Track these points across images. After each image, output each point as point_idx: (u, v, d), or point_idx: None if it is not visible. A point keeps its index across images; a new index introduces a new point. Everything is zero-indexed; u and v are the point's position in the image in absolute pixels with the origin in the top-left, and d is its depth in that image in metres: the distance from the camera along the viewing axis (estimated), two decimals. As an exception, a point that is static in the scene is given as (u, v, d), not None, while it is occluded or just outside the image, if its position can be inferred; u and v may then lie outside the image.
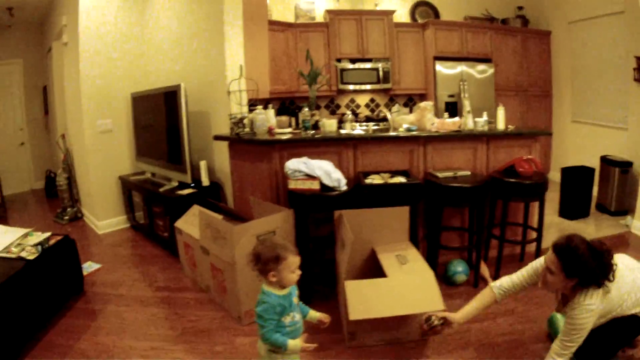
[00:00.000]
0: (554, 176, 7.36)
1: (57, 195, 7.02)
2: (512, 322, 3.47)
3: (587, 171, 6.03)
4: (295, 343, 2.31)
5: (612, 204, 5.95)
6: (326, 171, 3.71)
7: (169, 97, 5.02)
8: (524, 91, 7.81)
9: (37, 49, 8.81)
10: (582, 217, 5.94)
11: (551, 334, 3.21)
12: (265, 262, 2.27)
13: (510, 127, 4.57)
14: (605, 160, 6.11)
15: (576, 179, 5.94)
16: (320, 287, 4.07)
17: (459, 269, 4.08)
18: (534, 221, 4.43)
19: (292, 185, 3.74)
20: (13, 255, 3.57)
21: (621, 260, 2.66)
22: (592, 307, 2.40)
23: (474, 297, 3.02)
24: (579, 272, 2.37)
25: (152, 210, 5.36)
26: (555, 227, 5.64)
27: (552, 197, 6.05)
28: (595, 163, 6.24)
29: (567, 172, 6.04)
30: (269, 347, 2.31)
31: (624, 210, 5.82)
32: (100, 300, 4.11)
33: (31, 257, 3.56)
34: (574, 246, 2.38)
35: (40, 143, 9.19)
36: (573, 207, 5.94)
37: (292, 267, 2.30)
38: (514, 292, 2.91)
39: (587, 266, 2.34)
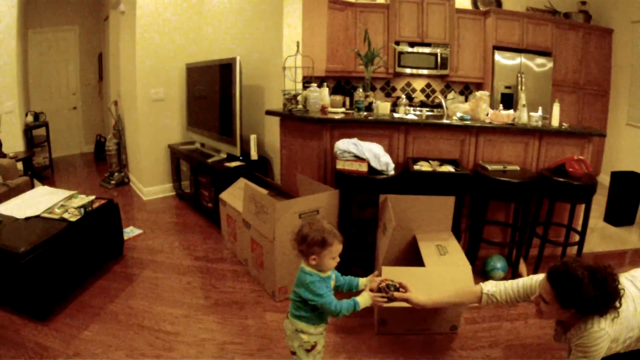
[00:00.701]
0: (604, 179, 7.18)
1: (105, 159, 7.19)
2: (543, 325, 3.39)
3: (637, 177, 5.86)
4: (365, 298, 2.36)
5: (658, 215, 5.78)
6: (375, 154, 3.69)
7: (224, 70, 5.05)
8: (581, 89, 7.58)
9: (93, 17, 9.00)
10: (627, 224, 5.77)
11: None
12: (310, 244, 2.25)
13: (565, 125, 4.46)
14: (657, 168, 5.94)
15: (625, 185, 5.76)
16: (359, 270, 4.08)
17: (498, 265, 4.04)
18: (578, 223, 4.30)
19: (340, 165, 3.75)
20: (56, 217, 3.67)
21: None
22: (602, 333, 2.09)
23: (459, 289, 2.76)
24: (575, 302, 2.06)
25: (199, 180, 5.44)
26: (599, 231, 5.51)
27: (599, 201, 5.90)
28: (646, 170, 6.07)
29: (616, 176, 5.87)
30: (299, 328, 2.35)
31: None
32: (138, 265, 4.21)
33: (73, 219, 3.64)
34: (570, 273, 2.06)
35: (92, 108, 9.42)
36: (619, 213, 5.77)
37: (334, 253, 2.30)
38: (503, 303, 2.57)
39: (586, 296, 2.02)
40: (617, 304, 2.10)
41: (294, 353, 2.46)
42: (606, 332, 2.09)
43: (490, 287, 2.58)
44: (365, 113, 4.46)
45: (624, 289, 2.13)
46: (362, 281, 2.56)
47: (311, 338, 2.38)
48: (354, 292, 2.52)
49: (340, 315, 2.29)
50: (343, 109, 4.64)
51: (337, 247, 2.30)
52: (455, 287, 2.77)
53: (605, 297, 2.05)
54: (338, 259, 2.34)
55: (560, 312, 2.15)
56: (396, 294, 2.54)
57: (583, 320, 2.14)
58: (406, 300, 2.59)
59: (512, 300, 2.51)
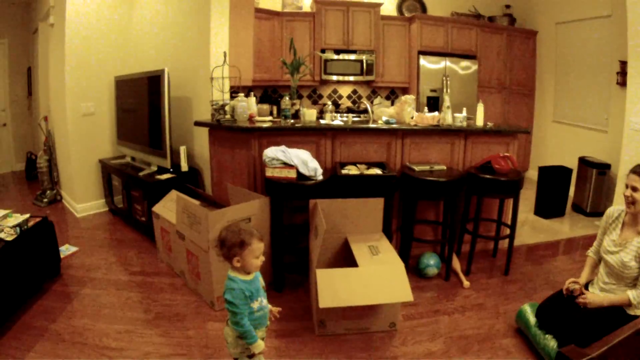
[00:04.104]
0: (532, 175, 7.45)
1: (37, 177, 6.98)
2: (481, 316, 3.53)
3: (565, 171, 6.11)
4: (261, 345, 2.35)
5: (588, 205, 6.04)
6: (303, 160, 3.74)
7: (153, 82, 5.01)
8: (507, 89, 7.87)
9: (22, 30, 8.71)
10: (558, 216, 6.02)
11: (521, 328, 3.28)
12: (229, 247, 2.27)
13: (490, 124, 4.62)
14: (583, 162, 6.20)
15: (553, 179, 6.01)
16: (293, 275, 4.12)
17: (431, 262, 4.14)
18: (508, 218, 4.47)
19: (270, 173, 3.77)
20: (-8, 236, 3.56)
21: None
22: None
23: (585, 272, 3.18)
24: None
25: (131, 195, 5.36)
26: (530, 224, 5.72)
27: (529, 196, 6.13)
28: (573, 164, 6.33)
29: (544, 171, 6.11)
30: (238, 333, 2.33)
31: (600, 211, 5.86)
32: (77, 283, 4.12)
33: (9, 239, 3.54)
34: None
35: (22, 124, 9.10)
36: (549, 206, 6.02)
37: (256, 252, 2.31)
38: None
39: None
40: None
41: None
42: None
43: (593, 249, 3.24)
44: (292, 121, 4.50)
45: None
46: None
47: None
48: None
49: (240, 330, 2.29)
50: (270, 118, 4.69)
51: (257, 246, 2.31)
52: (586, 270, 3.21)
53: None
54: (262, 258, 2.35)
55: None
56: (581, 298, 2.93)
57: None
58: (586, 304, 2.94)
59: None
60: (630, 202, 2.76)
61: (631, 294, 2.69)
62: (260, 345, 2.35)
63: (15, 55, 8.77)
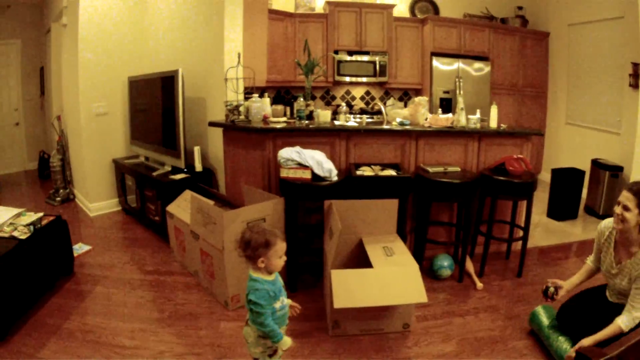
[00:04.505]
0: (545, 177, 7.42)
1: (49, 176, 7.03)
2: (494, 318, 3.52)
3: (578, 173, 6.08)
4: (287, 341, 2.36)
5: (601, 207, 6.00)
6: (318, 161, 3.74)
7: (166, 82, 5.03)
8: (520, 91, 7.85)
9: (35, 30, 8.78)
10: (570, 218, 5.99)
11: (534, 330, 3.27)
12: (255, 248, 2.27)
13: (503, 126, 4.61)
14: (596, 164, 6.17)
15: (566, 181, 5.99)
16: (307, 275, 4.12)
17: (445, 263, 4.14)
18: (522, 220, 4.47)
19: (284, 173, 3.78)
20: (5, 235, 3.59)
21: None
22: None
23: (578, 273, 3.21)
24: None
25: (144, 194, 5.38)
26: (543, 226, 5.70)
27: (542, 198, 6.11)
28: (586, 166, 6.30)
29: (557, 173, 6.08)
30: (262, 333, 2.34)
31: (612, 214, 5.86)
32: (90, 282, 4.13)
33: (23, 237, 3.57)
34: None
35: (35, 124, 9.18)
36: (561, 208, 5.99)
37: (279, 252, 2.32)
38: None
39: None
40: None
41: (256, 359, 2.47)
42: None
43: (591, 257, 3.20)
44: (306, 121, 4.52)
45: None
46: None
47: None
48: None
49: (263, 330, 2.30)
50: (285, 118, 4.70)
51: (281, 246, 2.32)
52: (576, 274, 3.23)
53: None
54: (285, 257, 2.37)
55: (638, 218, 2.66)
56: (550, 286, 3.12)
57: None
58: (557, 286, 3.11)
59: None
60: (620, 219, 2.73)
61: (621, 322, 2.64)
62: (287, 341, 2.36)
63: (27, 55, 8.84)
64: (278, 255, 2.32)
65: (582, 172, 6.11)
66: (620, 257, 2.85)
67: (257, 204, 3.72)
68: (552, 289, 3.07)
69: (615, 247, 2.91)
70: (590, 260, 3.18)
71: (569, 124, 7.52)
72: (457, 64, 7.36)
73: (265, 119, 4.48)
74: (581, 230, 5.66)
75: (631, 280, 2.71)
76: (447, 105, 7.22)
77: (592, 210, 6.15)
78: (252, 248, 2.28)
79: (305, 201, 4.09)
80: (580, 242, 5.22)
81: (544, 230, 5.55)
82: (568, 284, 3.10)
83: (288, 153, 3.78)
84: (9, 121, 8.86)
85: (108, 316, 3.54)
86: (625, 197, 2.69)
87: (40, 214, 3.98)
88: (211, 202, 4.13)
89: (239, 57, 4.61)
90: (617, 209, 2.74)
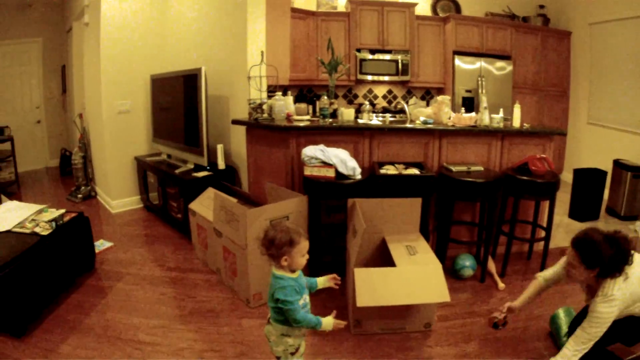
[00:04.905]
0: (566, 177, 7.35)
1: (71, 173, 7.10)
2: (515, 318, 3.48)
3: (599, 174, 6.03)
4: (328, 321, 2.37)
5: (622, 209, 5.94)
6: (342, 159, 3.75)
7: (189, 80, 5.06)
8: (541, 90, 7.78)
9: (56, 29, 8.87)
10: (592, 219, 5.93)
11: (552, 333, 3.25)
12: (279, 246, 2.27)
13: (526, 125, 4.58)
14: (618, 164, 6.10)
15: (588, 181, 5.93)
16: (328, 274, 4.12)
17: (467, 263, 4.12)
18: (544, 220, 4.43)
19: (308, 171, 3.79)
20: (27, 231, 3.63)
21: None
22: (614, 297, 2.44)
23: (529, 288, 3.07)
24: (598, 261, 2.42)
25: (167, 192, 5.42)
26: (564, 227, 5.65)
27: (563, 198, 6.05)
28: (608, 166, 6.23)
29: (579, 173, 6.04)
30: (285, 330, 2.36)
31: (634, 215, 5.82)
32: (111, 278, 4.18)
33: (45, 233, 3.61)
34: (590, 238, 2.46)
35: (56, 122, 9.27)
36: (583, 209, 5.93)
37: (303, 251, 2.33)
38: (557, 280, 2.97)
39: (605, 254, 2.39)
40: (630, 261, 2.47)
41: (278, 358, 2.47)
42: (618, 297, 2.45)
43: (542, 273, 3.04)
44: (330, 120, 4.52)
45: (634, 250, 2.53)
46: (320, 280, 2.60)
47: (295, 341, 2.41)
48: (313, 292, 2.57)
49: (299, 325, 2.32)
50: (308, 117, 4.70)
51: (304, 244, 2.33)
52: (525, 290, 3.07)
53: (620, 255, 2.42)
54: (307, 256, 2.37)
55: (587, 273, 2.49)
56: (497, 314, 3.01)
57: (604, 282, 2.50)
58: (509, 308, 3.00)
59: (560, 276, 2.93)
60: (568, 275, 2.65)
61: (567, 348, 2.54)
62: (328, 322, 2.38)
63: (49, 53, 8.92)
64: (301, 253, 2.33)
65: (604, 173, 6.05)
66: (588, 298, 2.78)
67: (280, 202, 3.73)
68: (500, 318, 2.97)
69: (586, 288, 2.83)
70: (542, 276, 3.02)
71: (591, 124, 7.44)
72: (480, 63, 7.32)
73: (288, 117, 4.49)
74: (603, 231, 5.60)
75: None
76: (470, 104, 7.17)
77: (613, 211, 6.09)
78: (276, 246, 2.28)
79: (328, 199, 4.09)
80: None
81: (566, 231, 5.50)
82: (519, 303, 2.99)
83: (312, 151, 3.79)
84: (30, 119, 8.96)
85: (129, 312, 3.58)
86: (569, 253, 2.57)
87: (62, 211, 4.02)
88: (234, 200, 4.15)
89: (262, 55, 4.63)
90: (566, 266, 2.68)
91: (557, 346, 3.12)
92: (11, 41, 8.42)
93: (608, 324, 2.46)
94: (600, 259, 2.41)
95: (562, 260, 2.89)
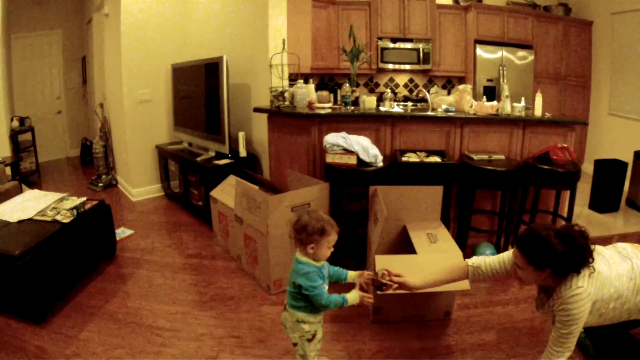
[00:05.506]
0: (587, 168, 7.29)
1: (92, 163, 7.19)
2: (534, 308, 3.49)
3: (620, 165, 5.96)
4: (354, 296, 2.39)
5: (643, 201, 5.89)
6: (364, 147, 3.75)
7: (210, 69, 5.08)
8: (563, 80, 7.70)
9: (76, 20, 8.95)
10: (612, 211, 5.88)
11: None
12: (310, 232, 2.28)
13: (547, 115, 4.55)
14: (638, 156, 6.03)
15: (608, 172, 5.87)
16: (349, 262, 4.13)
17: (487, 252, 4.09)
18: (564, 210, 4.39)
19: (330, 159, 3.80)
20: (48, 219, 3.66)
21: (622, 246, 2.51)
22: (581, 291, 2.14)
23: (446, 267, 2.73)
24: (547, 260, 2.13)
25: (188, 179, 5.46)
26: (584, 218, 5.61)
27: (583, 189, 6.00)
28: (629, 158, 6.16)
29: (599, 164, 5.98)
30: (329, 308, 2.37)
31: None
32: (132, 265, 4.23)
33: (66, 221, 3.65)
34: (535, 234, 2.16)
35: (77, 112, 9.38)
36: (603, 201, 5.88)
37: (331, 243, 2.35)
38: (489, 277, 2.61)
39: (555, 252, 2.10)
40: (590, 259, 2.18)
41: (295, 344, 2.50)
42: (585, 289, 2.14)
43: (474, 260, 2.66)
44: (352, 107, 4.52)
45: (594, 247, 2.24)
46: (350, 274, 2.59)
47: (312, 327, 2.42)
48: (341, 284, 2.57)
49: (328, 309, 2.35)
50: (330, 104, 4.70)
51: (333, 237, 2.34)
52: (443, 266, 2.75)
53: (575, 252, 2.12)
54: (332, 249, 2.38)
55: (538, 275, 2.20)
56: (394, 278, 2.59)
57: (562, 281, 2.20)
58: (401, 283, 2.59)
59: (497, 272, 2.56)
60: (517, 278, 2.34)
61: None
62: (354, 297, 2.39)
63: (69, 44, 9.02)
64: (328, 245, 2.34)
65: (625, 164, 5.99)
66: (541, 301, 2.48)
67: (302, 189, 3.74)
68: (386, 283, 2.58)
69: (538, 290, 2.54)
70: (472, 264, 2.65)
71: (612, 115, 7.36)
72: (501, 52, 7.26)
73: (310, 105, 4.50)
74: (623, 223, 5.55)
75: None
76: (491, 93, 7.13)
77: (633, 203, 6.02)
78: (308, 233, 2.29)
79: (350, 187, 4.10)
80: (622, 235, 5.11)
81: (586, 222, 5.43)
82: (421, 283, 2.65)
83: (334, 138, 3.80)
84: (51, 109, 9.07)
85: (149, 299, 3.62)
86: (514, 253, 2.28)
87: (84, 199, 4.05)
88: (255, 187, 4.17)
89: (283, 44, 4.64)
90: (511, 268, 2.41)
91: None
92: (32, 33, 8.53)
93: (583, 321, 2.18)
94: (551, 258, 2.11)
95: (505, 255, 2.55)
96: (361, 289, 2.48)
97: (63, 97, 9.17)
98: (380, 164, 3.81)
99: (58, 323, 3.23)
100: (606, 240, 4.91)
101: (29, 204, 3.91)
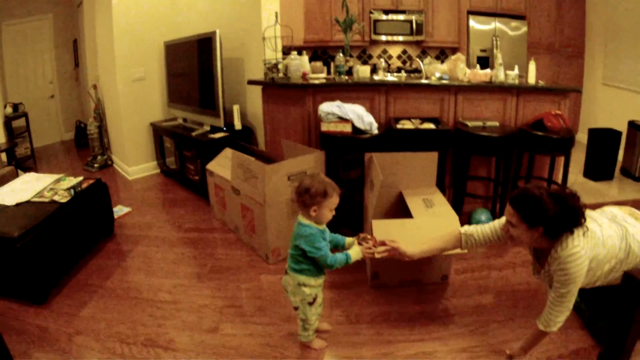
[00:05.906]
0: (581, 138, 7.29)
1: (86, 145, 7.17)
2: (531, 272, 3.52)
3: (614, 134, 5.99)
4: (356, 251, 2.46)
5: (637, 169, 5.89)
6: (359, 115, 3.77)
7: (203, 44, 5.07)
8: (556, 51, 7.70)
9: (66, 3, 8.86)
10: (606, 179, 5.92)
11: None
12: (313, 195, 2.31)
13: (541, 82, 4.56)
14: (633, 125, 6.04)
15: (603, 141, 5.90)
16: (345, 229, 4.14)
17: (483, 217, 4.13)
18: (559, 177, 4.43)
19: (325, 127, 3.81)
20: (46, 200, 3.65)
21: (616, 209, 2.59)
22: (577, 250, 2.16)
23: (439, 236, 2.74)
24: (540, 218, 2.14)
25: (183, 155, 5.47)
26: (579, 186, 5.65)
27: (578, 158, 6.04)
28: (623, 127, 6.18)
29: (594, 133, 6.01)
30: (335, 267, 2.40)
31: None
32: (130, 242, 4.24)
33: (64, 201, 3.64)
34: (528, 192, 2.18)
35: (70, 95, 9.32)
36: (598, 169, 5.92)
37: (332, 205, 2.38)
38: (482, 244, 2.62)
39: (548, 210, 2.11)
40: (582, 219, 2.19)
41: (296, 308, 2.54)
42: (581, 248, 2.16)
43: (467, 227, 2.67)
44: (346, 77, 4.53)
45: (585, 205, 2.23)
46: (348, 240, 2.64)
47: (312, 290, 2.46)
48: (339, 249, 2.58)
49: (333, 268, 2.38)
50: (324, 75, 4.71)
51: (335, 200, 2.38)
52: (436, 235, 2.76)
53: (568, 211, 2.13)
54: (334, 212, 2.41)
55: (530, 234, 2.21)
56: (387, 241, 2.62)
57: (557, 242, 2.22)
58: (396, 250, 2.62)
59: (490, 239, 2.58)
60: (509, 237, 2.35)
61: (539, 322, 2.33)
62: (356, 251, 2.47)
63: (60, 28, 8.92)
64: (330, 207, 2.38)
65: (619, 133, 6.02)
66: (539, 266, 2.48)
67: (298, 157, 3.75)
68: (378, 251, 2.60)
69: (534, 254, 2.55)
70: (464, 232, 2.66)
71: (606, 85, 7.36)
72: (494, 23, 7.25)
73: (304, 76, 4.51)
74: (617, 191, 5.59)
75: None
76: (484, 64, 7.09)
77: (628, 172, 6.06)
78: (311, 195, 2.32)
79: (345, 155, 4.12)
80: (616, 203, 5.12)
81: (581, 190, 5.33)
82: (417, 252, 2.67)
83: (329, 107, 3.81)
84: (44, 94, 9.00)
85: (149, 274, 3.63)
86: (508, 211, 2.28)
87: (80, 178, 4.03)
88: (252, 158, 4.18)
89: (276, 16, 4.63)
90: (504, 226, 2.36)
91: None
92: (22, 20, 8.43)
93: (581, 280, 2.20)
94: (543, 215, 2.12)
95: (497, 223, 2.57)
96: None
97: (55, 82, 9.10)
98: (375, 132, 3.83)
99: (59, 303, 3.24)
100: (601, 207, 4.95)
101: (26, 187, 3.89)
